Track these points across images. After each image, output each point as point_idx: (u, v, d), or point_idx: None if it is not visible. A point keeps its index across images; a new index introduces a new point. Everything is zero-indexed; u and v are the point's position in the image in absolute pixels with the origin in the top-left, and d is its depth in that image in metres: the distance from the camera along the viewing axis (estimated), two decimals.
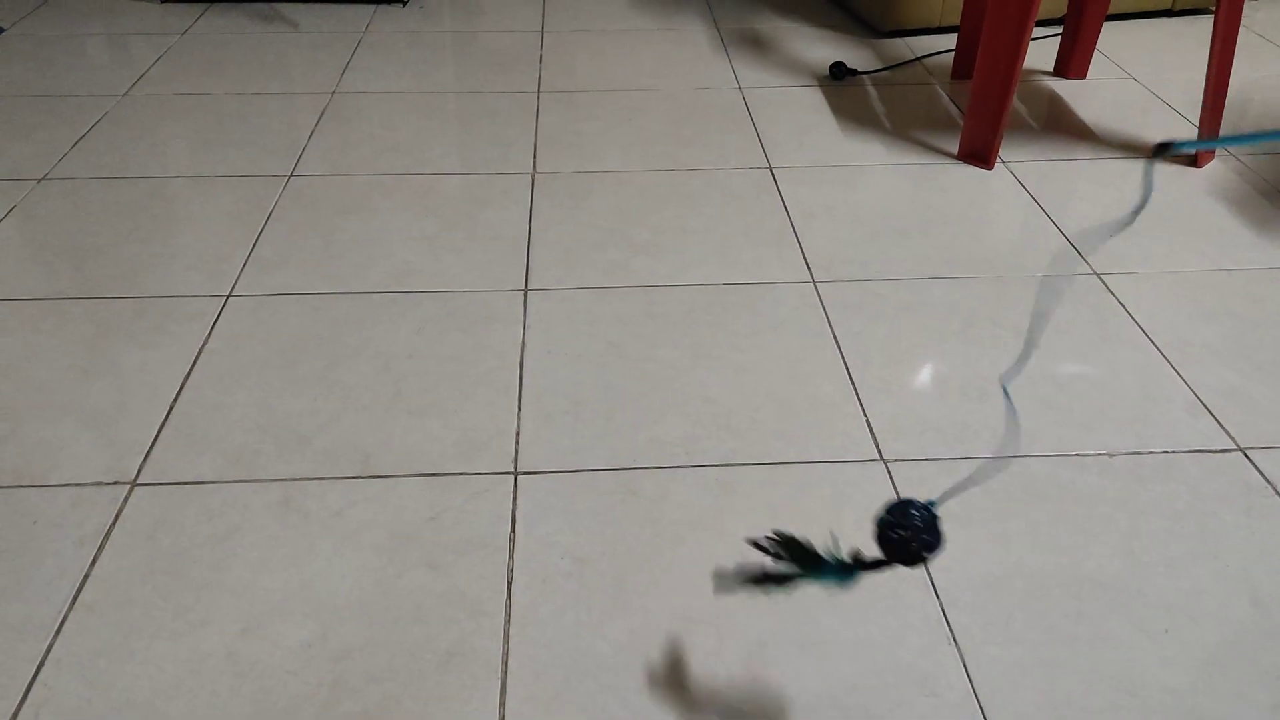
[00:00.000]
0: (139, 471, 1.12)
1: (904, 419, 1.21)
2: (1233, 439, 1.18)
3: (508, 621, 0.96)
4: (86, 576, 1.00)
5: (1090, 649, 0.93)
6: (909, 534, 0.70)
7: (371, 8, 2.58)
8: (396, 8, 2.58)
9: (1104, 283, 1.46)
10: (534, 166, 1.79)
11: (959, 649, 0.93)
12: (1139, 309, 1.40)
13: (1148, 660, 0.92)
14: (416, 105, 2.03)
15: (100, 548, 1.03)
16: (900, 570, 1.01)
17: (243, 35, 2.39)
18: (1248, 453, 1.16)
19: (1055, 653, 0.93)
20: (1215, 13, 1.67)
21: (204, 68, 2.20)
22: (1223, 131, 1.88)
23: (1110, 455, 1.15)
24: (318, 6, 2.58)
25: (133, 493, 1.10)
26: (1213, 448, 1.17)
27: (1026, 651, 0.93)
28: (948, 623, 0.96)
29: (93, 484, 1.11)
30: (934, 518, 0.71)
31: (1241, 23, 2.42)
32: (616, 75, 2.18)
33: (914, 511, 0.71)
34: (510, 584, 0.99)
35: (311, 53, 2.29)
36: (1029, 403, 1.23)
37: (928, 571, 1.01)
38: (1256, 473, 1.13)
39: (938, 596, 0.98)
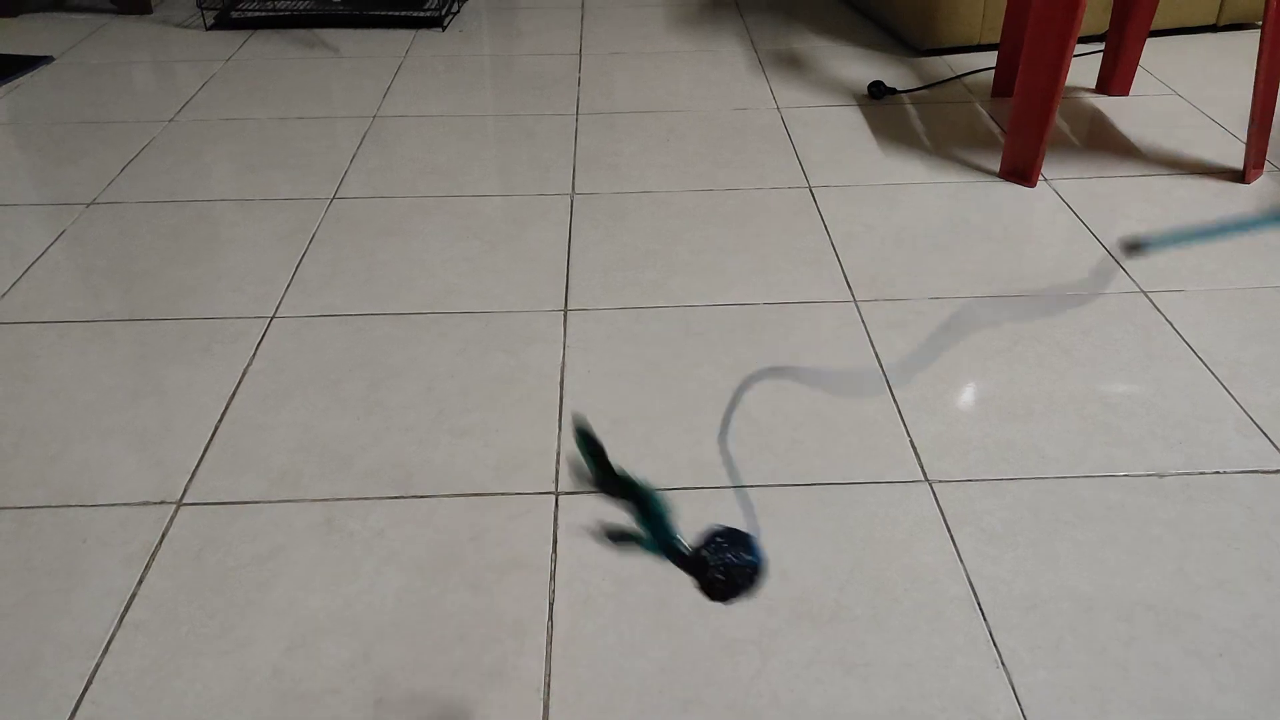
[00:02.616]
0: (185, 491, 1.14)
1: (948, 438, 1.19)
2: None
3: (550, 642, 0.95)
4: (134, 595, 1.01)
5: (1142, 673, 0.91)
6: (720, 571, 0.65)
7: (411, 32, 2.61)
8: (436, 32, 2.62)
9: (1151, 300, 1.44)
10: (573, 188, 1.80)
11: (1007, 672, 0.92)
12: (1187, 326, 1.38)
13: (1201, 686, 0.90)
14: (456, 128, 2.05)
15: (147, 567, 1.04)
16: (941, 588, 0.99)
17: (285, 61, 2.43)
18: None
19: (1106, 677, 0.91)
20: (1262, 26, 1.65)
21: (248, 93, 2.24)
22: (1271, 146, 1.85)
23: (1160, 476, 1.13)
24: (358, 32, 2.62)
25: (179, 512, 1.11)
26: (1267, 468, 1.14)
27: (1076, 675, 0.91)
28: (995, 645, 0.94)
29: (139, 504, 1.12)
30: (751, 561, 0.66)
31: None
32: (654, 97, 2.19)
33: (728, 553, 0.66)
34: (552, 604, 0.99)
35: (353, 77, 2.32)
36: (1077, 421, 1.21)
37: (974, 592, 0.99)
38: None
39: (985, 618, 0.97)
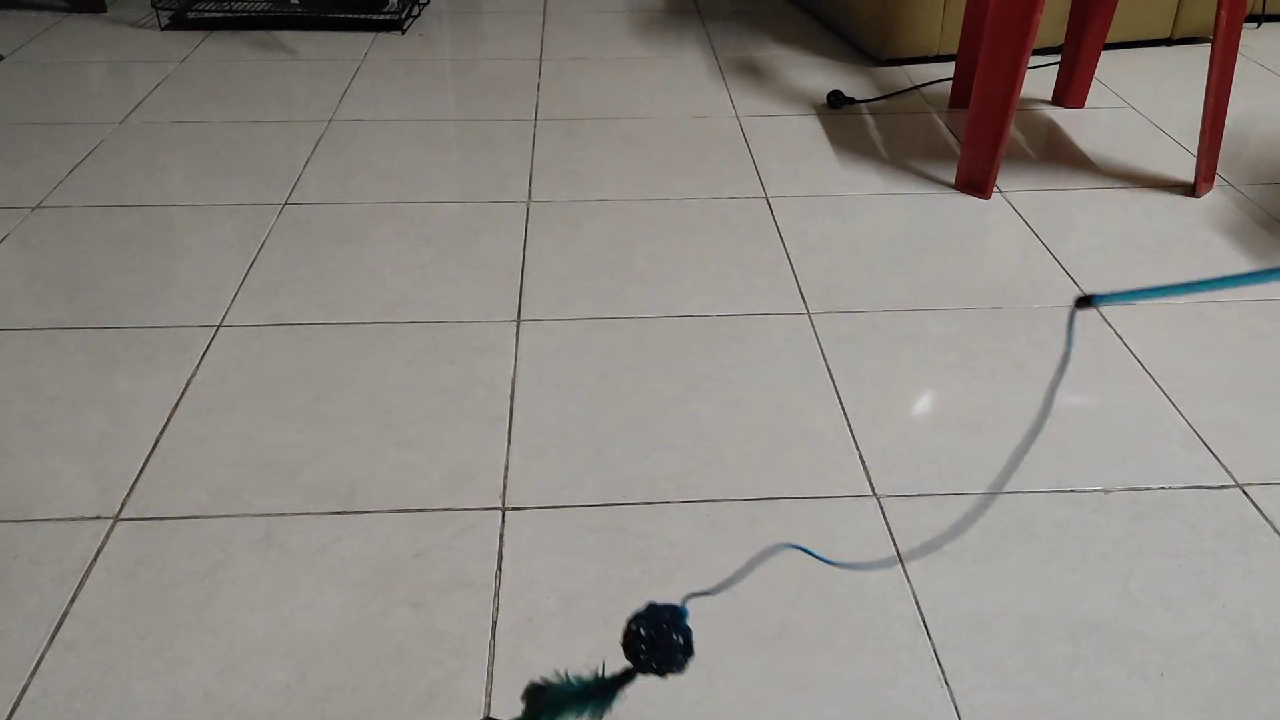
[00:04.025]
0: (122, 506, 1.11)
1: (898, 453, 1.19)
2: (1230, 475, 1.16)
3: (491, 662, 0.94)
4: (65, 614, 0.98)
5: (1085, 694, 0.91)
6: (648, 651, 0.66)
7: (371, 35, 2.59)
8: (395, 35, 2.59)
9: (1101, 314, 1.44)
10: (529, 195, 1.79)
11: (951, 691, 0.92)
12: (1135, 341, 1.39)
13: (1144, 705, 0.90)
14: (413, 133, 2.03)
15: (80, 584, 1.01)
16: (887, 605, 0.99)
17: (241, 63, 2.39)
18: (1245, 489, 1.14)
19: (1049, 697, 0.91)
20: (1213, 41, 1.66)
21: (202, 95, 2.21)
22: (1221, 159, 1.87)
23: (1106, 492, 1.14)
24: (317, 34, 2.59)
25: (115, 528, 1.08)
26: (1210, 484, 1.15)
27: (1020, 696, 0.91)
28: (940, 664, 0.94)
29: (75, 519, 1.09)
30: (681, 631, 0.67)
31: (1241, 51, 2.42)
32: (614, 103, 2.18)
33: (663, 624, 0.67)
34: (495, 623, 0.98)
35: (310, 80, 2.29)
36: (1024, 437, 1.21)
37: (920, 610, 0.99)
38: (1255, 510, 1.11)
39: (930, 636, 0.96)
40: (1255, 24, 2.60)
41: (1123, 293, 0.55)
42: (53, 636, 0.96)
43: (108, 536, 1.07)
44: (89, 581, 1.02)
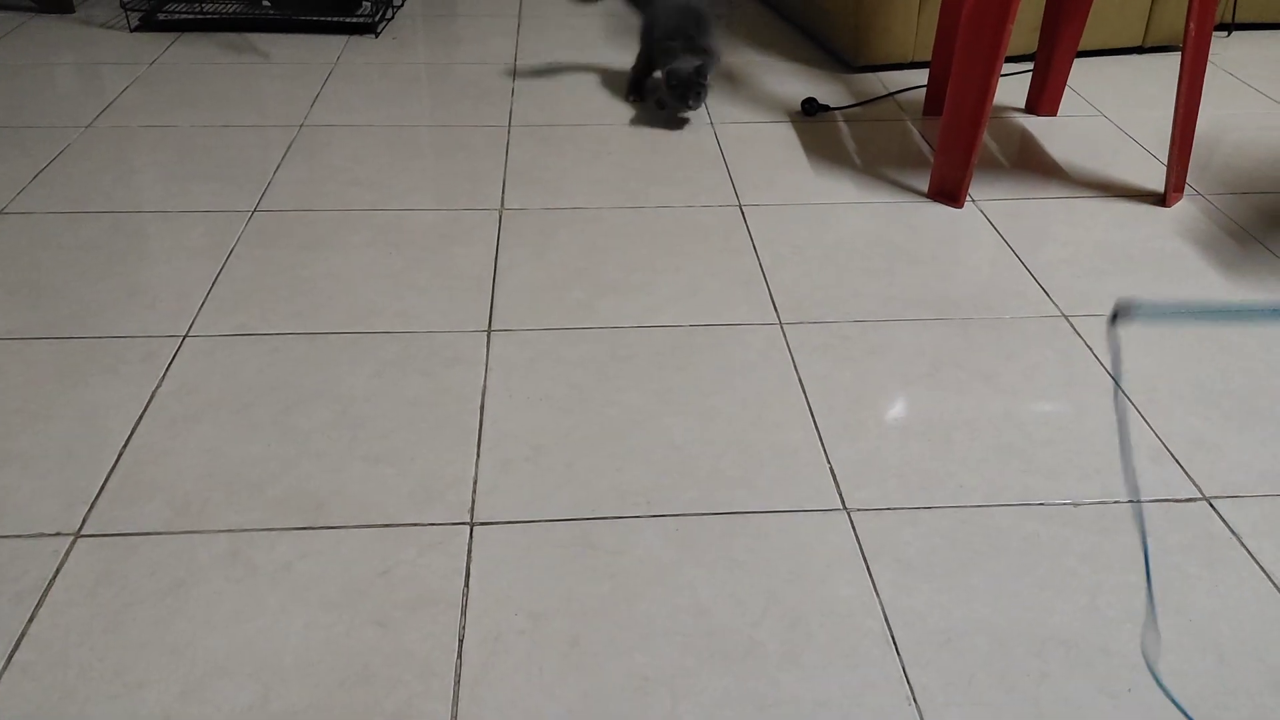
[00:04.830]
0: (84, 522, 1.09)
1: (868, 466, 1.19)
2: (1198, 488, 1.16)
3: (457, 682, 0.93)
4: (22, 635, 0.96)
5: (1052, 711, 0.91)
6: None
7: (344, 38, 2.57)
8: (369, 39, 2.57)
9: (1072, 325, 1.45)
10: (502, 203, 1.78)
11: (919, 709, 0.91)
12: (1104, 351, 1.39)
13: None
14: (386, 138, 2.02)
15: (39, 604, 1.00)
16: (856, 622, 0.99)
17: (212, 65, 2.37)
18: (1212, 502, 1.14)
19: (1017, 715, 0.91)
20: (1182, 51, 1.67)
21: (172, 98, 2.18)
22: (1191, 169, 1.88)
23: (1075, 505, 1.14)
24: (289, 37, 2.57)
25: (76, 544, 1.07)
26: (1178, 496, 1.15)
27: (988, 713, 0.91)
28: (908, 681, 0.94)
29: (34, 535, 1.08)
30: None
31: (1211, 60, 2.44)
32: (588, 109, 2.17)
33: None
34: (461, 642, 0.97)
35: (281, 84, 2.27)
36: (995, 449, 1.22)
37: (889, 626, 0.99)
38: (1221, 523, 1.11)
39: (898, 653, 0.96)
40: (1225, 33, 2.62)
41: (1159, 306, 0.55)
42: (9, 659, 0.94)
43: (68, 554, 1.05)
44: (47, 601, 1.00)
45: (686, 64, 1.99)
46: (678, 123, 2.10)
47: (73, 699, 0.90)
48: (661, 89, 2.08)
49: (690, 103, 2.02)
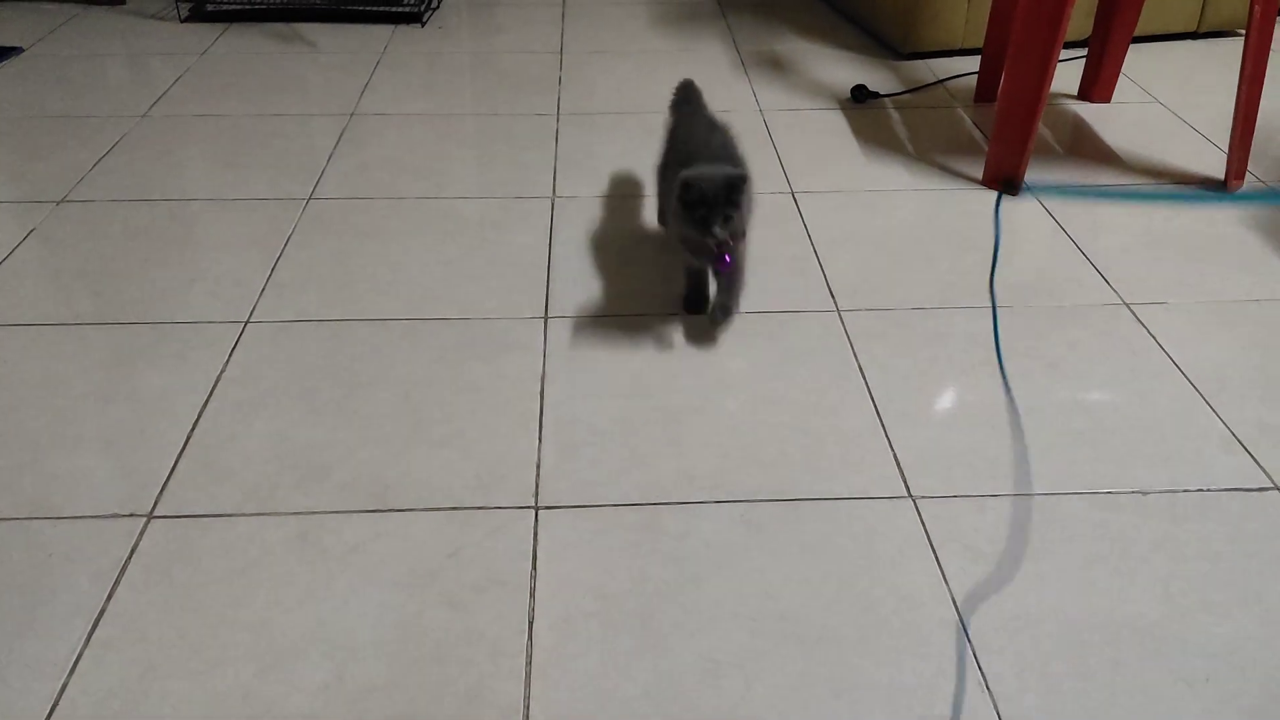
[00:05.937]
0: (156, 503, 1.11)
1: (931, 453, 1.18)
2: (1269, 477, 1.15)
3: (529, 663, 0.93)
4: (102, 612, 0.98)
5: (1129, 699, 0.90)
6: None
7: (390, 28, 2.58)
8: (415, 28, 2.58)
9: (1134, 313, 1.43)
10: (554, 190, 1.78)
11: (992, 695, 0.91)
12: (1170, 340, 1.37)
13: (1189, 711, 0.89)
14: (435, 127, 2.02)
15: (116, 582, 1.01)
16: (928, 610, 0.98)
17: (261, 55, 2.39)
18: None
19: (1093, 702, 0.90)
20: (1246, 34, 1.65)
21: (223, 88, 2.20)
22: (1250, 155, 1.85)
23: (1144, 493, 1.13)
24: (336, 26, 2.58)
25: (149, 525, 1.08)
26: (1249, 485, 1.14)
27: (1064, 701, 0.90)
28: (980, 668, 0.93)
29: (109, 516, 1.09)
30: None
31: (1273, 45, 2.40)
32: (636, 97, 2.17)
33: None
34: (531, 624, 0.97)
35: (330, 73, 2.29)
36: (1059, 436, 1.20)
37: (959, 613, 0.98)
38: None
39: (969, 641, 0.96)
40: None
41: (1050, 187, 0.54)
42: (90, 635, 0.96)
43: (142, 534, 1.07)
44: (124, 580, 1.01)
45: (713, 170, 1.27)
46: (724, 111, 2.09)
47: (154, 674, 0.92)
48: (672, 213, 1.34)
49: (716, 229, 1.25)
